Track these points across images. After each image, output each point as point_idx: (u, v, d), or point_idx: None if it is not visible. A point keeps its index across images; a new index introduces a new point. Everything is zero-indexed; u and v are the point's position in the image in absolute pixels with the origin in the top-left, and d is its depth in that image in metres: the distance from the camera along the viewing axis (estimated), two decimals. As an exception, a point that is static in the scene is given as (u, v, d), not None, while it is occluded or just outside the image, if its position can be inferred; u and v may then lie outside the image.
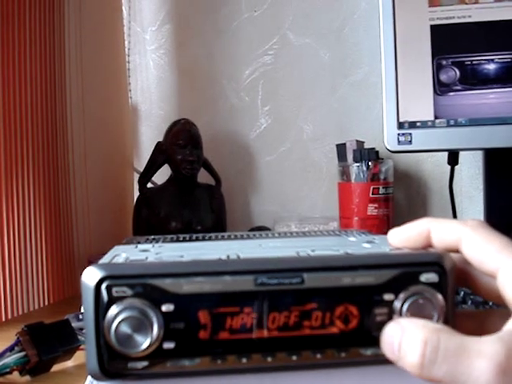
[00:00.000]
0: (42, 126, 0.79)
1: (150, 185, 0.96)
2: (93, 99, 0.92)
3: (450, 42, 0.74)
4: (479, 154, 0.87)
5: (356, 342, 0.30)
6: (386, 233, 0.35)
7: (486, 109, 0.74)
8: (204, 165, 0.95)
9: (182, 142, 0.90)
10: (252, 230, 0.93)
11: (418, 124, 0.75)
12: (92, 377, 0.29)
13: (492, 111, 0.73)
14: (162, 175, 0.95)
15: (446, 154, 0.85)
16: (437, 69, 0.74)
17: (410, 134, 0.75)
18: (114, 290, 0.28)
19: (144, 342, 0.28)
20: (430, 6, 0.75)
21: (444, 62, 0.74)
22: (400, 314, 0.29)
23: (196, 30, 1.08)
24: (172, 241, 0.43)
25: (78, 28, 0.88)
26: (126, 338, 0.28)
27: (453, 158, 0.83)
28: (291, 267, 0.29)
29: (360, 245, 0.35)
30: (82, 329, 0.53)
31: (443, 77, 0.74)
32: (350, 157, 0.88)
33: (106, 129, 0.97)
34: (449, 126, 0.75)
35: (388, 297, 0.30)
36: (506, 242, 0.29)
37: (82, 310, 0.29)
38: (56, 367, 0.52)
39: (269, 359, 0.29)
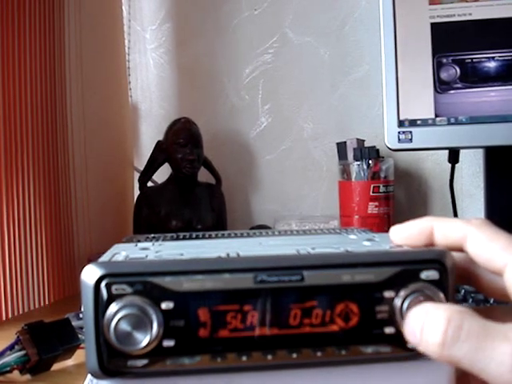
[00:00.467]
0: (42, 125, 0.79)
1: (150, 184, 0.96)
2: (93, 98, 0.92)
3: (450, 39, 0.74)
4: (480, 152, 0.87)
5: (356, 340, 0.30)
6: (386, 231, 0.35)
7: (486, 107, 0.74)
8: (204, 164, 0.95)
9: (182, 140, 0.90)
10: (252, 228, 0.93)
11: (419, 122, 0.75)
12: (92, 375, 0.29)
13: (492, 109, 0.73)
14: (163, 174, 0.95)
15: (446, 152, 0.85)
16: (437, 67, 0.74)
17: (411, 132, 0.75)
18: (114, 287, 0.28)
19: (144, 340, 0.28)
20: (430, 4, 0.75)
21: (444, 60, 0.74)
22: (400, 312, 0.29)
23: (196, 29, 1.08)
24: (172, 239, 0.43)
25: (78, 27, 0.88)
26: (126, 336, 0.28)
27: (453, 156, 0.83)
28: (291, 265, 0.29)
29: (360, 243, 0.35)
30: (82, 328, 0.53)
31: (444, 75, 0.74)
32: (350, 155, 0.88)
33: (106, 128, 0.97)
34: (449, 124, 0.75)
35: (388, 294, 0.29)
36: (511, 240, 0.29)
37: (82, 309, 0.29)
38: (56, 366, 0.52)
39: (269, 357, 0.29)
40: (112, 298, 0.28)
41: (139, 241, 0.41)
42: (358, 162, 0.86)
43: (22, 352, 0.49)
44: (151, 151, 0.94)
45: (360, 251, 0.31)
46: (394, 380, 0.31)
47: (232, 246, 0.34)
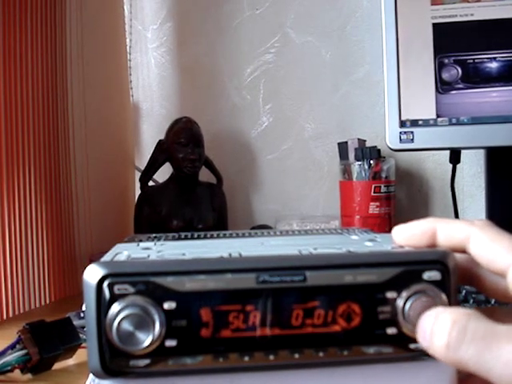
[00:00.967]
0: (44, 125, 0.79)
1: (151, 183, 0.96)
2: (94, 97, 0.92)
3: (452, 40, 0.74)
4: (481, 153, 0.87)
5: (358, 340, 0.30)
6: (387, 231, 0.35)
7: (488, 107, 0.73)
8: (205, 163, 0.95)
9: (183, 140, 0.90)
10: (254, 228, 0.93)
11: (420, 122, 0.75)
12: (93, 375, 0.29)
13: (494, 110, 0.73)
14: (164, 173, 0.95)
15: (447, 152, 0.84)
16: (439, 67, 0.74)
17: (412, 132, 0.75)
18: (116, 287, 0.28)
19: (146, 340, 0.28)
20: (432, 4, 0.75)
21: (446, 61, 0.74)
22: (403, 312, 0.29)
23: (197, 29, 1.08)
24: (174, 239, 0.43)
25: (80, 26, 0.88)
26: (128, 336, 0.28)
27: (455, 156, 0.83)
28: (293, 265, 0.29)
29: (362, 243, 0.35)
30: (83, 327, 0.53)
31: (445, 75, 0.74)
32: (351, 155, 0.88)
33: (107, 127, 0.97)
34: (451, 124, 0.75)
35: (390, 295, 0.29)
36: None
37: (84, 308, 0.29)
38: (57, 365, 0.52)
39: (271, 357, 0.29)
40: (114, 298, 0.28)
41: (141, 240, 0.42)
42: (360, 162, 0.86)
43: (24, 351, 0.49)
44: (152, 151, 0.94)
45: (362, 252, 0.31)
46: (396, 381, 0.31)
47: (234, 246, 0.34)
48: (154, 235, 0.45)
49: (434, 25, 0.75)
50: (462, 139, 0.75)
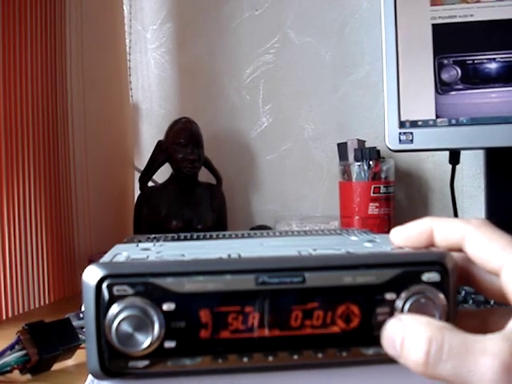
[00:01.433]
0: (43, 125, 0.79)
1: (150, 183, 0.96)
2: (94, 98, 0.92)
3: (451, 40, 0.74)
4: (480, 154, 0.87)
5: (357, 342, 0.30)
6: (387, 232, 0.35)
7: (487, 108, 0.73)
8: (205, 164, 0.95)
9: (182, 140, 0.90)
10: (253, 229, 0.93)
11: (420, 123, 0.75)
12: (93, 376, 0.29)
13: (493, 110, 0.73)
14: (163, 174, 0.95)
15: (447, 153, 0.84)
16: (438, 68, 0.74)
17: (412, 133, 0.75)
18: (115, 288, 0.28)
19: (145, 341, 0.28)
20: (431, 5, 0.75)
21: (446, 61, 0.74)
22: (402, 314, 0.29)
23: (197, 29, 1.08)
24: (173, 240, 0.43)
25: (79, 26, 0.88)
26: (127, 337, 0.28)
27: (454, 157, 0.83)
28: (292, 266, 0.29)
29: (361, 244, 0.35)
30: (82, 327, 0.53)
31: (445, 76, 0.74)
32: (351, 156, 0.88)
33: (106, 127, 0.97)
34: (450, 125, 0.75)
35: (390, 296, 0.29)
36: (510, 240, 0.29)
37: (83, 309, 0.29)
38: (56, 366, 0.52)
39: (270, 358, 0.29)
40: (113, 299, 0.28)
41: (140, 241, 0.42)
42: (359, 163, 0.86)
43: (23, 352, 0.49)
44: (152, 151, 0.94)
45: (361, 253, 0.31)
46: (395, 381, 0.31)
47: (233, 247, 0.34)
48: (153, 236, 0.45)
49: (434, 25, 0.75)
50: (461, 140, 0.75)
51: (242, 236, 0.46)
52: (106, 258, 0.31)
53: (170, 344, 0.29)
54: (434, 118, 0.75)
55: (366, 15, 0.98)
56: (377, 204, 0.85)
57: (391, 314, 0.29)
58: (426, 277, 0.29)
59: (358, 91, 0.99)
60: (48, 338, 0.50)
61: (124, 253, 0.33)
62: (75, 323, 0.54)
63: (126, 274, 0.29)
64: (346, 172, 0.88)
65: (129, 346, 0.28)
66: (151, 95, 1.11)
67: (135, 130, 1.12)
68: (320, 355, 0.29)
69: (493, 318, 0.32)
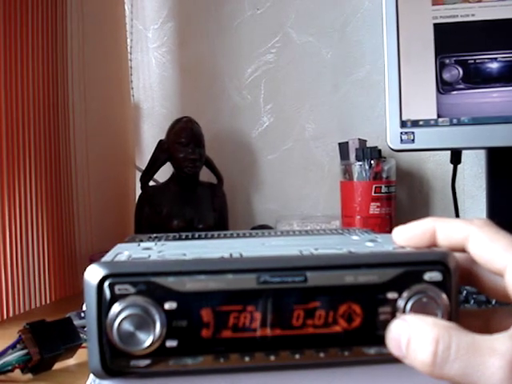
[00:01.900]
0: (44, 125, 0.79)
1: (152, 183, 0.96)
2: (95, 97, 0.92)
3: (453, 40, 0.74)
4: (482, 153, 0.87)
5: (359, 341, 0.30)
6: (388, 232, 0.35)
7: (489, 107, 0.73)
8: (206, 163, 0.95)
9: (184, 140, 0.90)
10: (254, 228, 0.93)
11: (421, 123, 0.75)
12: (94, 375, 0.29)
13: (495, 110, 0.73)
14: (164, 173, 0.95)
15: (448, 152, 0.84)
16: (440, 67, 0.74)
17: (413, 132, 0.75)
18: (117, 287, 0.28)
19: (146, 340, 0.28)
20: (433, 5, 0.75)
21: (447, 61, 0.74)
22: (403, 313, 0.29)
23: (198, 28, 1.08)
24: (174, 239, 0.43)
25: (81, 26, 0.88)
26: (129, 336, 0.28)
27: (455, 156, 0.83)
28: (294, 266, 0.29)
29: (363, 243, 0.35)
30: (84, 327, 0.53)
31: (446, 75, 0.74)
32: (352, 155, 0.88)
33: (108, 127, 0.97)
34: (452, 124, 0.74)
35: (391, 295, 0.29)
36: None
37: (84, 308, 0.29)
38: (58, 365, 0.52)
39: (272, 358, 0.29)
40: (115, 298, 0.28)
41: (142, 240, 0.42)
42: (360, 163, 0.86)
43: (24, 351, 0.49)
44: (153, 150, 0.94)
45: (363, 252, 0.31)
46: (397, 381, 0.31)
47: (235, 247, 0.34)
48: (154, 235, 0.45)
49: (435, 25, 0.74)
50: (462, 139, 0.75)
51: (244, 235, 0.46)
52: (107, 258, 0.31)
53: (171, 343, 0.28)
54: (435, 117, 0.75)
55: (368, 15, 0.98)
56: (378, 204, 0.85)
57: (393, 313, 0.29)
58: (428, 276, 0.29)
59: (359, 91, 0.99)
60: (49, 338, 0.50)
61: (125, 252, 0.33)
62: (76, 322, 0.54)
63: (127, 273, 0.29)
64: (347, 171, 0.88)
65: (130, 345, 0.28)
66: (152, 95, 1.11)
67: (136, 129, 1.12)
68: (322, 355, 0.29)
69: (496, 318, 0.32)
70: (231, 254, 0.31)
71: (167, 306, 0.28)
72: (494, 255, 0.29)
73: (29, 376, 0.50)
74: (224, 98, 1.07)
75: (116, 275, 0.28)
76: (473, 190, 0.95)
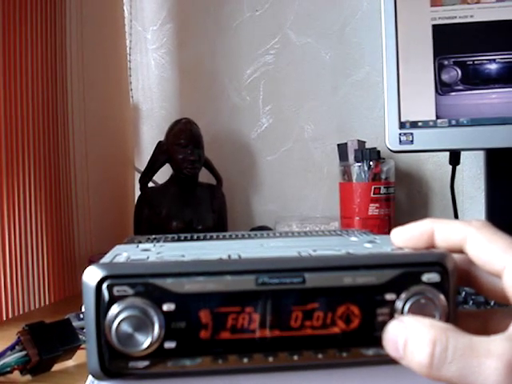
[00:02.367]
0: (44, 126, 0.79)
1: (151, 184, 0.96)
2: (94, 98, 0.92)
3: (451, 41, 0.74)
4: (481, 154, 0.87)
5: (357, 342, 0.30)
6: (387, 233, 0.35)
7: (487, 109, 0.73)
8: (205, 164, 0.95)
9: (183, 141, 0.90)
10: (253, 229, 0.93)
11: (420, 124, 0.75)
12: (93, 376, 0.29)
13: (494, 111, 0.73)
14: (163, 175, 0.95)
15: (447, 153, 0.84)
16: (438, 68, 0.74)
17: (412, 133, 0.75)
18: (115, 289, 0.28)
19: (145, 342, 0.28)
20: (431, 6, 0.75)
21: (446, 62, 0.74)
22: (401, 314, 0.29)
23: (197, 30, 1.08)
24: (173, 240, 0.43)
25: (80, 27, 0.88)
26: (127, 338, 0.28)
27: (454, 158, 0.83)
28: (293, 267, 0.29)
29: (361, 245, 0.35)
30: (82, 328, 0.53)
31: (445, 76, 0.74)
32: (351, 157, 0.88)
33: (107, 128, 0.97)
34: (450, 125, 0.75)
35: (390, 297, 0.29)
36: (511, 242, 0.29)
37: (83, 310, 0.29)
38: (57, 366, 0.52)
39: (270, 359, 0.29)
40: (113, 300, 0.28)
41: (140, 242, 0.42)
42: (359, 164, 0.86)
43: (23, 352, 0.49)
44: (152, 152, 0.94)
45: (361, 253, 0.31)
46: (395, 382, 0.31)
47: (233, 248, 0.34)
48: (153, 236, 0.45)
49: (434, 26, 0.75)
50: (461, 141, 0.75)
51: (243, 237, 0.46)
52: (106, 259, 0.31)
53: (170, 344, 0.29)
54: (434, 118, 0.75)
55: (366, 16, 0.98)
56: (377, 205, 0.85)
57: (391, 314, 0.29)
58: (426, 277, 0.29)
59: (358, 92, 0.99)
60: (48, 339, 0.50)
61: (124, 253, 0.33)
62: (75, 324, 0.54)
63: (126, 274, 0.29)
64: (346, 173, 0.88)
65: (129, 346, 0.28)
66: (151, 96, 1.11)
67: (135, 130, 1.12)
68: (320, 356, 0.29)
69: (494, 319, 0.32)
70: (230, 256, 0.31)
71: (166, 307, 0.28)
72: (492, 256, 0.29)
73: (28, 377, 0.50)
74: (223, 99, 1.07)
75: (114, 277, 0.28)
76: (471, 191, 0.95)
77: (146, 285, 0.28)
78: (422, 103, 0.75)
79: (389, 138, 0.76)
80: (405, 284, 0.29)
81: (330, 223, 0.91)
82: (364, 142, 0.91)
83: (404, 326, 0.27)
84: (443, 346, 0.26)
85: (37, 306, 0.77)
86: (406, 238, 0.32)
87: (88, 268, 0.29)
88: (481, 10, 0.73)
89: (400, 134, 0.75)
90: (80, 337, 0.53)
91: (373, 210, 0.85)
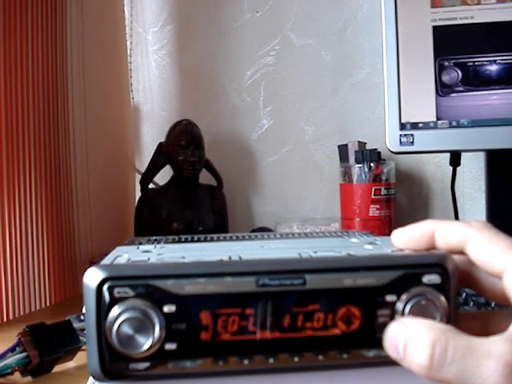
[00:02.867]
0: (44, 127, 0.79)
1: (151, 185, 0.96)
2: (94, 100, 0.92)
3: (452, 42, 0.74)
4: (481, 156, 0.87)
5: (358, 344, 0.30)
6: (387, 234, 0.35)
7: (488, 110, 0.73)
8: (206, 166, 0.95)
9: (183, 142, 0.90)
10: (254, 230, 0.93)
11: (420, 125, 0.75)
12: (93, 378, 0.29)
13: (494, 112, 0.73)
14: (164, 176, 0.95)
15: (448, 155, 0.84)
16: (439, 70, 0.74)
17: (412, 135, 0.75)
18: (116, 290, 0.28)
19: (146, 343, 0.28)
20: (432, 7, 0.75)
21: (446, 63, 0.74)
22: (402, 316, 0.29)
23: (198, 31, 1.08)
24: (174, 242, 0.43)
25: (80, 29, 0.88)
26: (128, 339, 0.28)
27: (455, 159, 0.83)
28: (293, 268, 0.29)
29: (362, 246, 0.35)
30: (83, 329, 0.53)
31: (445, 78, 0.74)
32: (351, 158, 0.88)
33: (107, 129, 0.97)
34: (451, 127, 0.75)
35: (390, 298, 0.29)
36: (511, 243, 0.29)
37: (84, 311, 0.29)
38: (57, 368, 0.52)
39: (271, 360, 0.29)
40: (114, 301, 0.28)
41: (141, 243, 0.42)
42: (360, 165, 0.86)
43: (24, 354, 0.49)
44: (153, 153, 0.94)
45: (362, 255, 0.31)
46: (396, 383, 0.31)
47: (234, 249, 0.34)
48: (154, 238, 0.45)
49: (434, 27, 0.75)
50: (462, 142, 0.75)
51: (243, 238, 0.46)
52: (106, 260, 0.31)
53: (170, 346, 0.29)
54: (434, 119, 0.75)
55: (367, 17, 0.98)
56: (377, 206, 0.85)
57: (392, 316, 0.29)
58: (426, 279, 0.29)
59: (358, 93, 0.99)
60: (49, 340, 0.50)
61: (125, 255, 0.33)
62: (76, 325, 0.55)
63: (126, 276, 0.29)
64: (346, 174, 0.88)
65: (129, 347, 0.28)
66: (152, 97, 1.12)
67: (136, 132, 1.12)
68: (321, 357, 0.29)
69: (494, 320, 0.32)
70: (230, 257, 0.31)
71: (166, 308, 0.28)
72: (492, 257, 0.29)
73: (28, 379, 0.50)
74: (223, 101, 1.07)
75: (115, 278, 0.28)
76: (472, 192, 0.95)
77: (146, 286, 0.28)
78: (422, 104, 0.75)
79: (389, 140, 0.76)
80: (405, 285, 0.29)
81: (330, 224, 0.91)
82: (364, 143, 0.91)
83: (404, 328, 0.27)
84: (443, 348, 0.26)
85: (37, 307, 0.77)
86: (406, 239, 0.32)
87: (89, 269, 0.29)
88: (481, 11, 0.73)
89: (400, 136, 0.75)
90: (81, 338, 0.53)
91: (373, 211, 0.85)
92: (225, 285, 0.29)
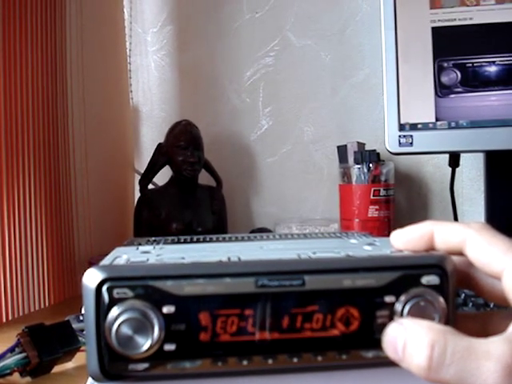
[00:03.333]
0: (43, 128, 0.79)
1: (151, 186, 0.96)
2: (94, 100, 0.92)
3: (451, 43, 0.74)
4: (480, 156, 0.87)
5: (357, 344, 0.30)
6: (386, 235, 0.35)
7: (487, 111, 0.74)
8: (205, 166, 0.95)
9: (183, 143, 0.90)
10: (253, 231, 0.93)
11: (419, 126, 0.75)
12: (93, 378, 0.29)
13: (493, 113, 0.73)
14: (163, 176, 0.95)
15: (447, 156, 0.85)
16: (438, 71, 0.74)
17: (411, 135, 0.75)
18: (115, 291, 0.28)
19: (145, 344, 0.28)
20: (431, 8, 0.75)
21: (445, 64, 0.74)
22: (401, 317, 0.29)
23: (197, 32, 1.08)
24: (173, 242, 0.43)
25: (80, 29, 0.88)
26: (127, 340, 0.28)
27: (454, 160, 0.83)
28: (292, 269, 0.29)
29: (361, 247, 0.35)
30: (82, 330, 0.53)
31: (444, 79, 0.74)
32: (350, 158, 0.88)
33: (107, 130, 0.97)
34: (450, 128, 0.75)
35: (389, 299, 0.29)
36: (510, 244, 0.29)
37: (83, 312, 0.29)
38: (56, 368, 0.52)
39: (270, 361, 0.29)
40: (113, 302, 0.28)
41: (140, 244, 0.42)
42: (359, 166, 0.86)
43: (23, 354, 0.49)
44: (152, 154, 0.94)
45: (361, 256, 0.31)
46: (395, 384, 0.31)
47: (233, 250, 0.34)
48: (153, 239, 0.45)
49: (433, 28, 0.75)
50: (461, 143, 0.75)
51: (242, 239, 0.46)
52: (106, 261, 0.31)
53: (169, 347, 0.29)
54: (433, 120, 0.75)
55: (366, 18, 0.98)
56: (377, 207, 0.85)
57: (391, 316, 0.29)
58: (425, 280, 0.29)
59: (357, 94, 1.00)
60: (48, 341, 0.50)
61: (124, 256, 0.33)
62: (75, 326, 0.54)
63: (125, 276, 0.29)
64: (345, 175, 0.88)
65: (129, 348, 0.28)
66: (151, 98, 1.12)
67: (135, 132, 1.12)
68: (320, 358, 0.29)
69: (493, 321, 0.32)
70: (229, 258, 0.31)
71: (165, 309, 0.28)
72: (491, 258, 0.29)
73: (27, 379, 0.50)
74: (223, 101, 1.07)
75: (114, 279, 0.28)
76: (471, 192, 0.95)
77: (145, 287, 0.28)
78: (421, 105, 0.75)
79: (388, 140, 0.76)
80: (404, 286, 0.29)
81: (329, 225, 0.91)
82: (364, 144, 0.91)
83: (403, 329, 0.28)
84: (441, 349, 0.26)
85: (37, 307, 0.77)
86: (405, 240, 0.32)
87: (88, 270, 0.29)
88: (480, 12, 0.73)
89: (400, 136, 0.75)
90: (80, 339, 0.53)
91: (372, 211, 0.85)
92: (224, 286, 0.29)
